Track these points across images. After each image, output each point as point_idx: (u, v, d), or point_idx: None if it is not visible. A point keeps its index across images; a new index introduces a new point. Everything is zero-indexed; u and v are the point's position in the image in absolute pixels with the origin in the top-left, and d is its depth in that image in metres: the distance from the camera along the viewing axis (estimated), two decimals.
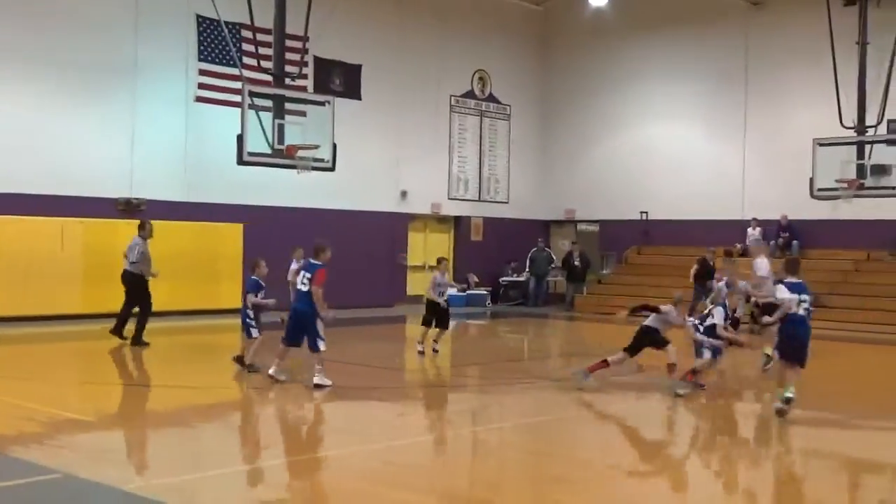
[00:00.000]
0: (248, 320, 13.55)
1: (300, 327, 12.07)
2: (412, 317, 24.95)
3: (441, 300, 15.87)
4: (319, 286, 11.97)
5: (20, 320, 18.85)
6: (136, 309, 16.52)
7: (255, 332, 13.47)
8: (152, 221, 17.21)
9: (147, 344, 16.17)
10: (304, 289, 11.99)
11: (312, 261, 12.30)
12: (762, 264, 15.55)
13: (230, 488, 7.93)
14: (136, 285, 16.48)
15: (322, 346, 11.92)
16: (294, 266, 15.48)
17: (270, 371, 12.41)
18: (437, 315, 15.96)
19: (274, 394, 12.20)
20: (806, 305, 10.63)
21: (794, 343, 10.60)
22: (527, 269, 28.45)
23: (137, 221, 21.01)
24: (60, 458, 8.37)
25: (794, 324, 10.56)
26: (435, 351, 15.85)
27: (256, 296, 13.55)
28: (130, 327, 16.52)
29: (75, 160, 20.60)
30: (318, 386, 11.95)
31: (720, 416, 12.11)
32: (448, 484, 8.33)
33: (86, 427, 10.27)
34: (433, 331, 16.02)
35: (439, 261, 16.57)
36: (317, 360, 12.07)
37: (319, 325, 12.01)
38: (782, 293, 10.68)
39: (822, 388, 14.55)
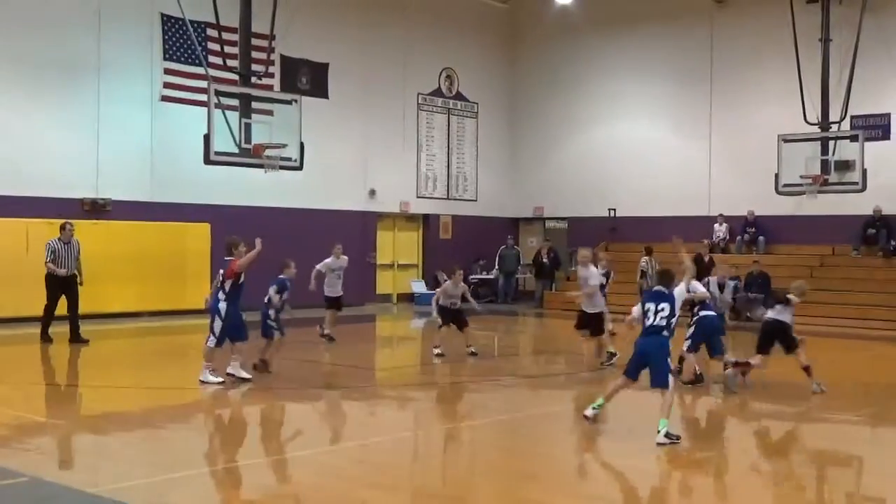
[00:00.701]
0: (268, 321, 13.42)
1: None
2: (381, 315, 24.98)
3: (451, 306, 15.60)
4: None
5: None
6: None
7: (276, 334, 13.42)
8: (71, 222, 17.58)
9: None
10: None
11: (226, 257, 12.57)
12: (593, 273, 15.56)
13: (198, 490, 7.88)
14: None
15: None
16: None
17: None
18: (453, 319, 15.57)
19: (243, 394, 12.14)
20: (664, 315, 9.53)
21: (634, 355, 9.82)
22: (496, 267, 28.51)
23: (104, 222, 21.01)
24: (27, 461, 8.28)
25: (642, 335, 9.74)
26: (474, 354, 15.51)
27: (282, 296, 13.47)
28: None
29: (40, 160, 20.38)
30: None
31: (695, 408, 12.19)
32: (420, 482, 8.33)
33: (52, 430, 10.18)
34: (459, 335, 15.76)
35: (452, 271, 15.68)
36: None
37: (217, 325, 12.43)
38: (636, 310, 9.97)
39: (786, 381, 14.69)
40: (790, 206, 24.41)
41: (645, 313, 9.68)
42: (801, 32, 22.78)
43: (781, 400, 12.67)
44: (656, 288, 9.88)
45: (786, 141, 22.51)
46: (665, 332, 9.56)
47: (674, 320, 9.62)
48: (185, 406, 11.82)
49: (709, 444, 10.25)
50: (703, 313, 13.14)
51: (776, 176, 22.55)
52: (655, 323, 9.53)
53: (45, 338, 16.82)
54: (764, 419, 11.67)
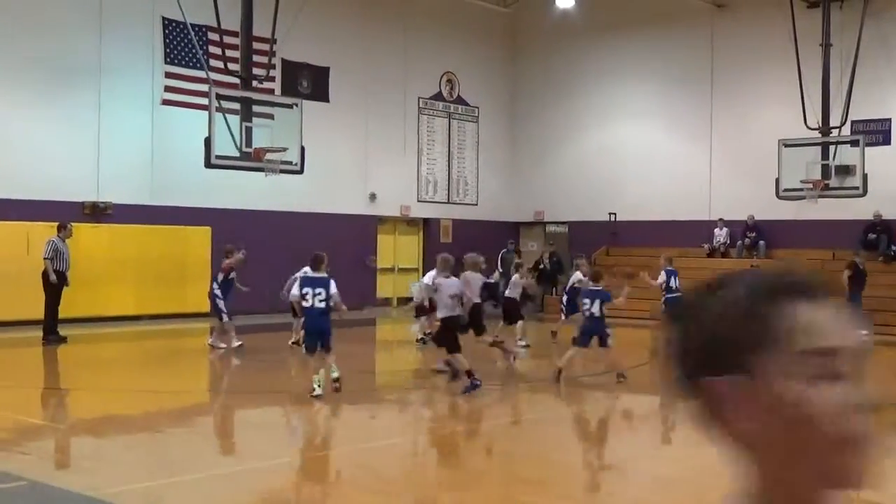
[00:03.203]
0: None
1: None
2: (381, 319, 24.97)
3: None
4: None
5: None
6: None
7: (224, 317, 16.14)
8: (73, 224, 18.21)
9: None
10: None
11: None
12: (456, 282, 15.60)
13: (197, 494, 7.88)
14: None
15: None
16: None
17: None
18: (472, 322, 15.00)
19: (243, 399, 12.14)
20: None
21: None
22: (498, 271, 28.47)
23: (105, 225, 21.05)
24: (26, 465, 8.28)
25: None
26: (515, 358, 15.57)
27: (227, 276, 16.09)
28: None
29: (41, 164, 20.38)
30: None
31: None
32: (420, 487, 8.33)
33: (51, 433, 10.18)
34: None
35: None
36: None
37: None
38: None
39: None
40: (791, 210, 24.42)
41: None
42: (801, 37, 22.80)
43: None
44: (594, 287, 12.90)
45: (786, 146, 22.52)
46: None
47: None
48: (184, 410, 11.82)
49: (705, 448, 10.24)
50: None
51: (777, 180, 22.56)
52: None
53: (53, 338, 16.80)
54: None
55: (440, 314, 12.83)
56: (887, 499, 7.85)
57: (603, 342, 13.36)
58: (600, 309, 13.13)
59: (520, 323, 17.47)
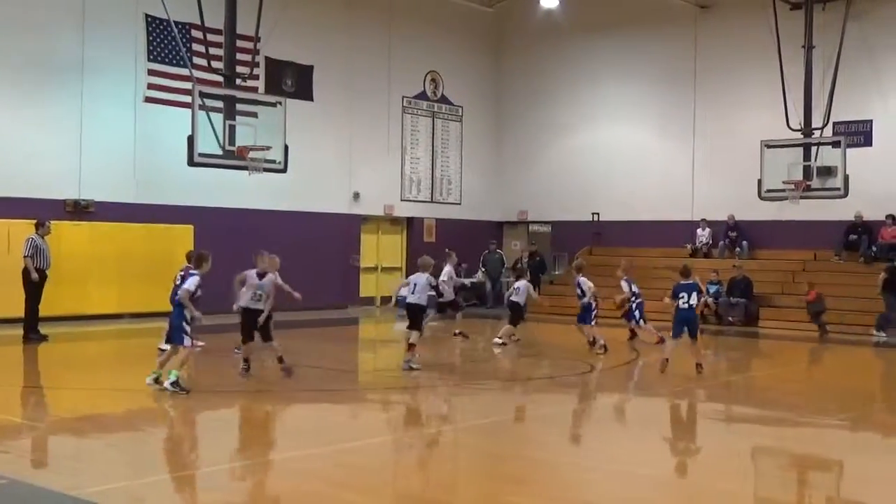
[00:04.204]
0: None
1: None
2: (364, 318, 24.95)
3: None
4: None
5: None
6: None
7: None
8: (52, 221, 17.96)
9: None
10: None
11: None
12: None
13: (178, 493, 7.85)
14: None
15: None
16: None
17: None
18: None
19: (223, 397, 12.10)
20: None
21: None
22: (480, 271, 28.50)
23: (86, 223, 20.94)
24: (6, 464, 8.23)
25: None
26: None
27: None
28: (65, 330, 16.30)
29: (22, 161, 20.26)
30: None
31: (679, 413, 12.23)
32: (402, 485, 8.32)
33: (31, 432, 10.12)
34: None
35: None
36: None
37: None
38: None
39: (769, 386, 14.77)
40: (772, 211, 24.55)
41: None
42: (784, 39, 22.92)
43: (762, 405, 12.73)
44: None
45: (768, 146, 22.65)
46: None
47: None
48: (165, 409, 11.77)
49: (692, 446, 10.29)
50: None
51: (759, 181, 22.67)
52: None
53: (34, 336, 16.74)
54: (746, 423, 11.71)
55: None
56: (872, 499, 7.88)
57: (693, 334, 14.36)
58: (696, 301, 14.28)
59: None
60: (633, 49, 27.98)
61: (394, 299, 17.01)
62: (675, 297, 14.23)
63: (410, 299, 14.47)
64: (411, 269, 27.92)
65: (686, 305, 14.15)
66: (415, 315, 14.43)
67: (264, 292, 13.12)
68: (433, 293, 16.06)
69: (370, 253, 27.55)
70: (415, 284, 14.45)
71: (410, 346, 14.27)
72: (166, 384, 11.60)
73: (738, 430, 11.22)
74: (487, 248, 28.58)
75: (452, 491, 8.12)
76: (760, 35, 23.81)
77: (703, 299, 15.40)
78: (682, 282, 14.41)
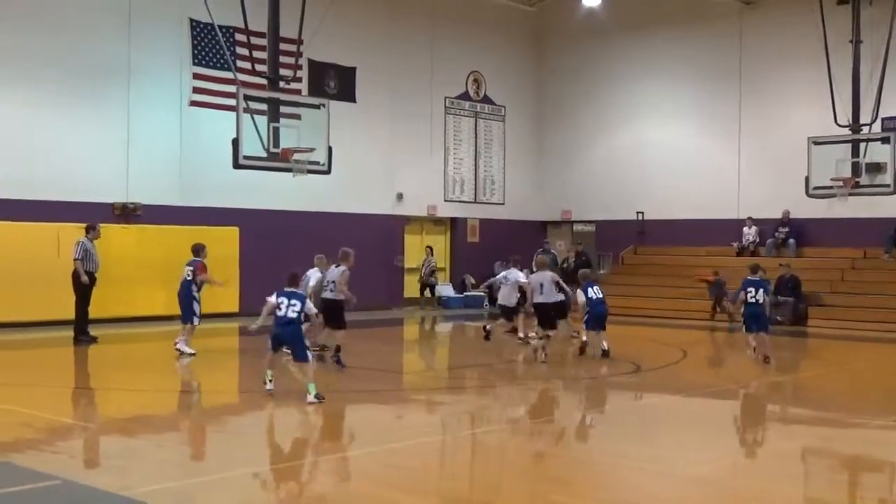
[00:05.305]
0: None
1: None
2: (408, 319, 24.99)
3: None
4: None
5: (16, 326, 18.85)
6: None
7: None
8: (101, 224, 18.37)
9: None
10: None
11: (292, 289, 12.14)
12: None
13: (228, 493, 7.91)
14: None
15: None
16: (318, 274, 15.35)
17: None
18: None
19: (273, 399, 12.18)
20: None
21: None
22: (533, 270, 28.30)
23: (134, 226, 21.21)
24: (58, 464, 8.35)
25: None
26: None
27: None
28: (108, 332, 16.50)
29: (71, 165, 20.57)
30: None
31: (725, 414, 12.12)
32: (448, 486, 8.32)
33: (83, 433, 10.26)
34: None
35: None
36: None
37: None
38: None
39: (818, 386, 14.58)
40: (821, 208, 24.22)
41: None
42: (831, 34, 22.59)
43: (811, 405, 12.57)
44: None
45: (816, 143, 22.34)
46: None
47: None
48: (214, 409, 11.88)
49: (740, 448, 10.19)
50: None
51: (806, 178, 22.38)
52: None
53: (84, 338, 17.01)
54: (794, 424, 11.57)
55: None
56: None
57: (763, 328, 15.46)
58: (763, 297, 15.36)
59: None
60: (676, 47, 27.76)
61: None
62: (745, 291, 15.30)
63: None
64: (455, 269, 28.06)
65: (753, 300, 15.24)
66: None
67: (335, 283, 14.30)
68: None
69: (414, 253, 27.59)
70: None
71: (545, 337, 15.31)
72: (309, 398, 11.33)
73: (786, 431, 11.09)
74: (541, 248, 28.44)
75: (498, 491, 8.11)
76: (806, 30, 23.49)
77: (768, 298, 15.83)
78: (750, 277, 15.51)
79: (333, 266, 14.70)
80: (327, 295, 14.41)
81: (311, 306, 12.20)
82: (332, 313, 14.27)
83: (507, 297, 17.74)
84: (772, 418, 11.92)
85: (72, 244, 17.50)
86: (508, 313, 17.91)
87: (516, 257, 18.90)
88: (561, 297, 15.63)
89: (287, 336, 11.58)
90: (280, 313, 11.48)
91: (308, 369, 11.56)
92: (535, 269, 17.11)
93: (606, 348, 15.57)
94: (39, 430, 9.94)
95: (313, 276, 15.43)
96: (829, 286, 23.54)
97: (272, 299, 11.61)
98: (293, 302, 11.53)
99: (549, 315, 15.37)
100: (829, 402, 12.66)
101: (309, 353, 11.66)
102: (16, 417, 10.50)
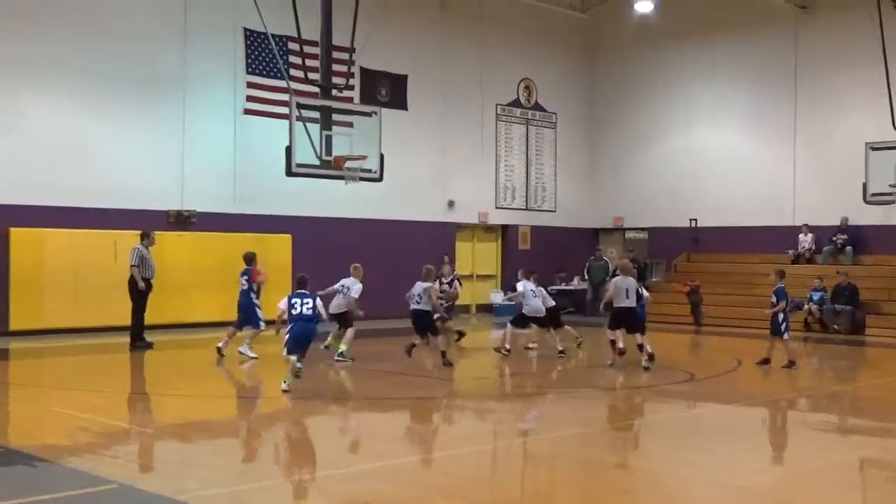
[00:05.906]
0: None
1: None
2: (460, 326, 24.92)
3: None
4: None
5: (73, 332, 19.17)
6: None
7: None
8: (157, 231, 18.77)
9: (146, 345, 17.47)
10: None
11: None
12: None
13: (281, 499, 7.96)
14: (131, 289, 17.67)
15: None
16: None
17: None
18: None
19: (324, 405, 12.25)
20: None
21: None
22: (585, 278, 28.22)
23: (189, 233, 21.47)
24: (115, 469, 8.46)
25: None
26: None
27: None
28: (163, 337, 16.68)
29: (126, 173, 20.89)
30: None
31: (781, 424, 11.96)
32: (501, 494, 8.29)
33: (140, 437, 10.39)
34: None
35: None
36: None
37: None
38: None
39: (877, 396, 14.33)
40: (879, 215, 23.83)
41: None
42: (888, 37, 22.23)
43: (869, 416, 12.35)
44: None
45: (874, 149, 21.99)
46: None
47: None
48: (269, 415, 11.97)
49: (796, 458, 10.04)
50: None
51: (864, 185, 22.03)
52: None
53: (141, 344, 17.27)
54: (852, 434, 11.38)
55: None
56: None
57: (780, 334, 15.76)
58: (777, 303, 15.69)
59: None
60: (729, 52, 27.49)
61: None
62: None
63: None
64: (507, 276, 27.99)
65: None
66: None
67: (424, 295, 15.57)
68: None
69: (465, 261, 27.59)
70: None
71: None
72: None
73: (844, 442, 10.90)
74: (593, 255, 28.31)
75: (551, 500, 8.07)
76: (863, 35, 23.13)
77: (782, 304, 15.78)
78: (780, 284, 15.89)
79: (419, 282, 15.75)
80: (417, 306, 15.62)
81: (320, 304, 13.19)
82: (423, 322, 15.65)
83: (536, 308, 17.34)
84: (829, 428, 11.73)
85: (128, 251, 17.77)
86: (540, 322, 17.68)
87: (531, 270, 18.55)
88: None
89: (310, 330, 12.73)
90: (296, 312, 12.56)
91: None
92: (616, 273, 17.07)
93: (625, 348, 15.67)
94: (97, 435, 10.09)
95: (353, 285, 16.14)
96: (887, 294, 23.12)
97: (283, 304, 12.73)
98: (306, 301, 12.73)
99: (638, 320, 15.60)
100: (888, 413, 12.42)
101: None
102: (74, 422, 10.68)
